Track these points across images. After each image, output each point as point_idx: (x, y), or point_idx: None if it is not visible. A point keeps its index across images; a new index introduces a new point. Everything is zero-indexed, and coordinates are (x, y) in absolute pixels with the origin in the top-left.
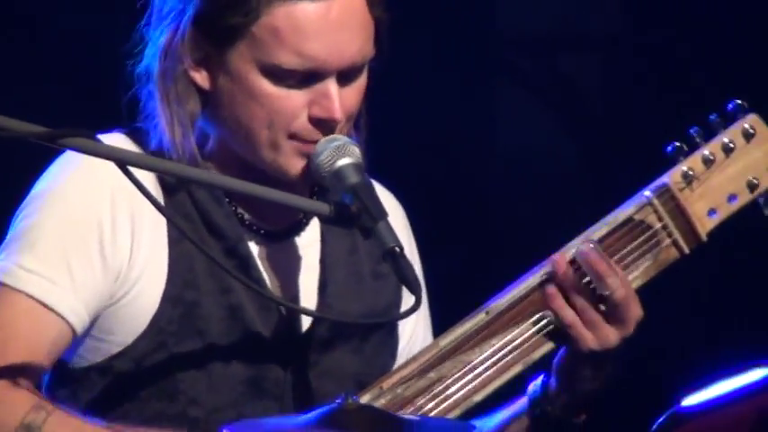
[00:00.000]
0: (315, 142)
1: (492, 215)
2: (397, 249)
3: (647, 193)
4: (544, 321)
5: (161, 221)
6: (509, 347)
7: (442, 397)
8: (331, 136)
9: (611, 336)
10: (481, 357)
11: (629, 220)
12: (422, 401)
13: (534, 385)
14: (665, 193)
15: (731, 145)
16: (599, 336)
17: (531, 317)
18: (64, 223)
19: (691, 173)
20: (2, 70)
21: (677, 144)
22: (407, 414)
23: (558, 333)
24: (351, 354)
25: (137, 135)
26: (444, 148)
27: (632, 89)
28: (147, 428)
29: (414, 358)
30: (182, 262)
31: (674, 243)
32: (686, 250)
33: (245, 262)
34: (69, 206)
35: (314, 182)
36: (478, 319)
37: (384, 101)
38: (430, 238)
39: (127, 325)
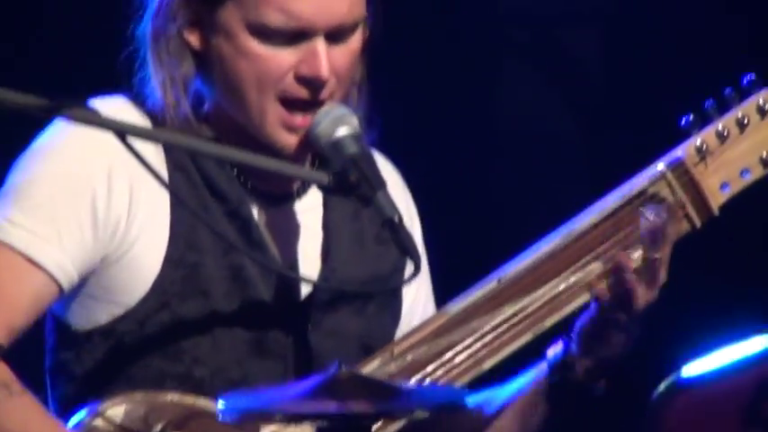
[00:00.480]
0: (301, 111)
1: (493, 187)
2: (396, 219)
3: (660, 166)
4: (561, 287)
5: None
6: (520, 315)
7: (451, 364)
8: (329, 106)
9: (642, 298)
10: (492, 325)
11: (643, 192)
12: (431, 368)
13: (554, 350)
14: (680, 168)
15: (745, 120)
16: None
17: (545, 284)
18: (56, 180)
19: (704, 147)
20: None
21: (691, 117)
22: (416, 380)
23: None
24: (353, 315)
25: (137, 97)
26: (445, 122)
27: (634, 63)
28: None
29: (424, 325)
30: (183, 224)
31: (687, 216)
32: (698, 224)
33: (247, 225)
34: (64, 163)
35: (312, 152)
36: (490, 287)
37: (384, 75)
38: (431, 209)
39: (127, 285)
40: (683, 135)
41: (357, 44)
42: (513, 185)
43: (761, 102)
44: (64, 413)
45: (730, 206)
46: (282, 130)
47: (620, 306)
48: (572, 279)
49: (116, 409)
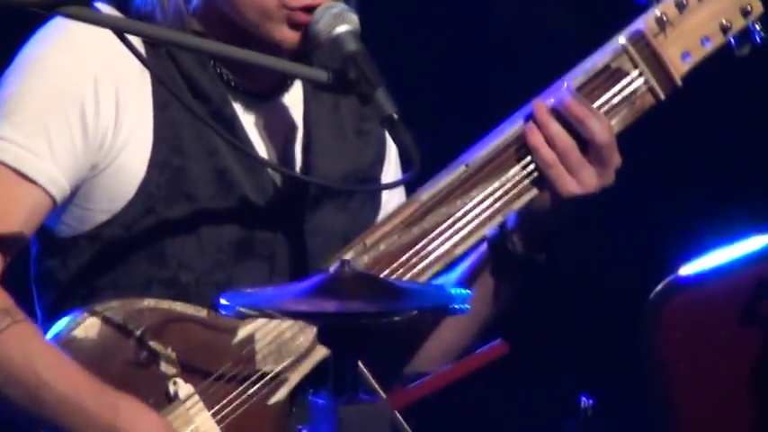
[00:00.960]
0: (305, 10)
1: (489, 86)
2: (395, 116)
3: (621, 40)
4: (528, 168)
5: (146, 89)
6: (490, 199)
7: (424, 252)
8: (329, 2)
9: (593, 181)
10: (463, 210)
11: (606, 68)
12: (405, 257)
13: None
14: (641, 40)
15: None
16: (581, 179)
17: (513, 167)
18: (44, 93)
19: (664, 18)
20: None
21: None
22: (392, 269)
23: (540, 179)
24: (337, 211)
25: (119, 2)
26: (442, 18)
27: None
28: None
29: (395, 213)
30: (167, 128)
31: (650, 89)
32: (662, 96)
33: (231, 123)
34: (51, 75)
35: (307, 48)
36: (459, 172)
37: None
38: (425, 108)
39: (114, 192)
40: (642, 8)
41: None
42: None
43: None
44: (50, 321)
45: (728, 106)
46: (285, 28)
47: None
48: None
49: (93, 319)
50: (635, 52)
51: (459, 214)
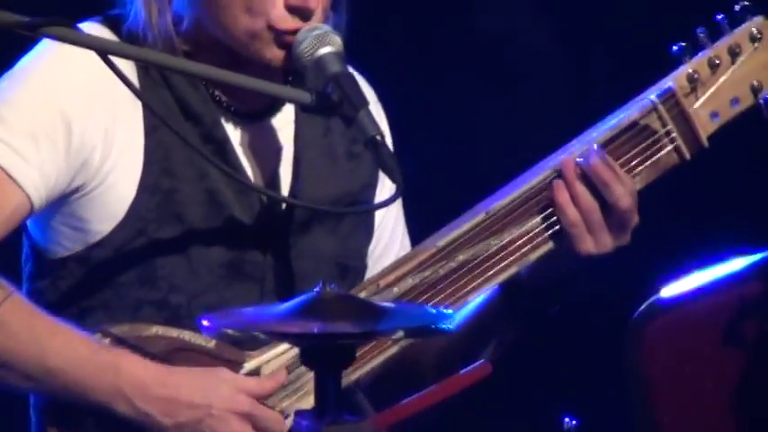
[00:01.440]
0: (293, 32)
1: (470, 101)
2: (378, 138)
3: (652, 96)
4: (549, 221)
5: (137, 111)
6: (508, 248)
7: (437, 298)
8: (312, 24)
9: (609, 242)
10: (480, 258)
11: (634, 124)
12: (418, 301)
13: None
14: (671, 99)
15: (737, 49)
16: (598, 240)
17: (533, 218)
18: (35, 103)
19: (696, 76)
20: None
21: (683, 44)
22: None
23: (559, 234)
24: (327, 234)
25: (111, 22)
26: (422, 32)
27: None
28: (75, 332)
29: (411, 257)
30: (158, 150)
31: (676, 148)
32: (687, 156)
33: (222, 146)
34: (43, 88)
35: (292, 69)
36: (478, 219)
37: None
38: (406, 124)
39: (104, 214)
40: (674, 62)
41: None
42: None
43: (753, 30)
44: None
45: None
46: (275, 48)
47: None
48: None
49: (107, 341)
50: (664, 111)
51: (476, 261)
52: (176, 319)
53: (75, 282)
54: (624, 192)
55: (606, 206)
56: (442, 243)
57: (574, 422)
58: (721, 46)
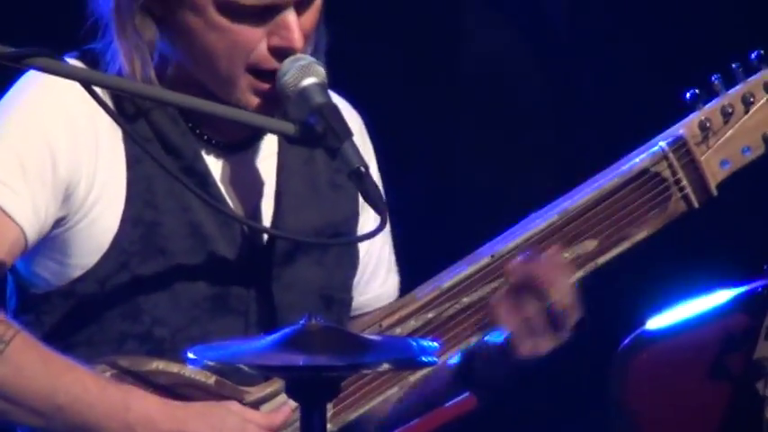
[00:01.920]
0: (270, 79)
1: (456, 134)
2: (363, 169)
3: (662, 144)
4: None
5: (118, 144)
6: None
7: (441, 341)
8: (296, 56)
9: (545, 345)
10: (481, 300)
11: (644, 172)
12: None
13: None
14: (682, 147)
15: (751, 98)
16: (535, 344)
17: None
18: (22, 136)
19: (708, 124)
20: None
21: (697, 91)
22: None
23: None
24: (312, 266)
25: (89, 58)
26: (408, 66)
27: (598, 8)
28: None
29: (414, 298)
30: (140, 183)
31: (685, 197)
32: (696, 205)
33: (203, 179)
34: (29, 120)
35: (277, 105)
36: (483, 262)
37: (347, 14)
38: (394, 156)
39: (87, 247)
40: (687, 109)
41: (320, 1)
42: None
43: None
44: None
45: None
46: (250, 94)
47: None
48: (566, 255)
49: (110, 373)
50: (674, 159)
51: (481, 304)
52: (160, 353)
53: (60, 316)
54: (565, 292)
55: (548, 308)
56: (446, 285)
57: None
58: (735, 94)
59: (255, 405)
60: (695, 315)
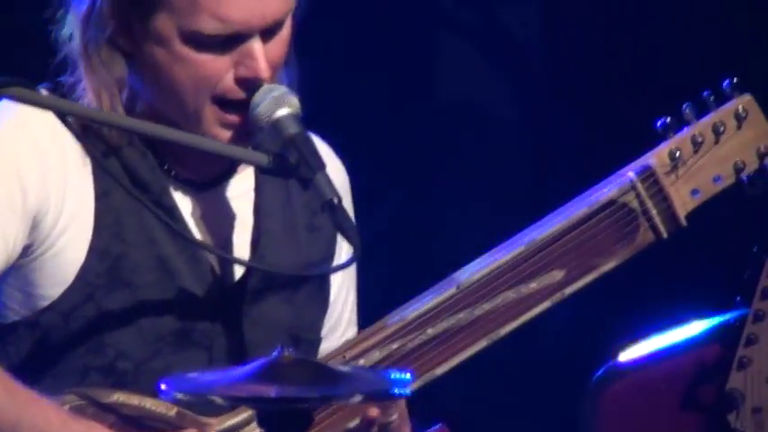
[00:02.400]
0: (238, 110)
1: (432, 168)
2: (335, 201)
3: (631, 174)
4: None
5: (87, 177)
6: (477, 323)
7: (404, 370)
8: (270, 86)
9: None
10: (448, 331)
11: (611, 202)
12: None
13: None
14: (650, 177)
15: (721, 128)
16: None
17: (505, 292)
18: None
19: (678, 154)
20: None
21: (667, 119)
22: None
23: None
24: (282, 304)
25: (61, 90)
26: (385, 100)
27: (572, 42)
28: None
29: (378, 329)
30: (108, 216)
31: (653, 228)
32: (664, 235)
33: (170, 213)
34: (0, 150)
35: (249, 137)
36: (449, 293)
37: (323, 51)
38: (369, 190)
39: (53, 279)
40: (658, 138)
41: (288, 30)
42: (451, 165)
43: (739, 108)
44: None
45: None
46: (218, 128)
47: None
48: (533, 285)
49: (72, 405)
50: (643, 189)
51: (443, 335)
52: (122, 385)
53: (25, 347)
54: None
55: None
56: (410, 316)
57: None
58: (705, 123)
59: None
60: (667, 346)
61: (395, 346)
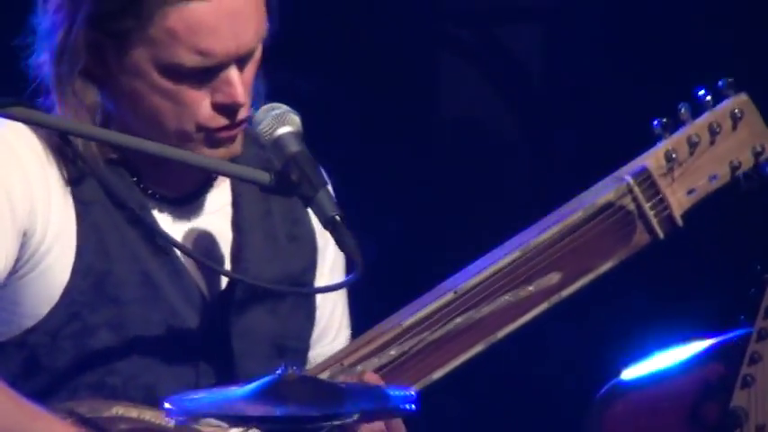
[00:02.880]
0: (224, 129)
1: (433, 187)
2: (338, 218)
3: (626, 176)
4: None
5: (67, 196)
6: (474, 327)
7: (403, 377)
8: (271, 104)
9: None
10: (445, 336)
11: (608, 205)
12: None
13: None
14: (646, 179)
15: (717, 129)
16: None
17: (503, 296)
18: None
19: (674, 155)
20: None
21: (664, 120)
22: None
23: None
24: (267, 315)
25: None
26: (386, 119)
27: (572, 61)
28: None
29: (376, 336)
30: (91, 233)
31: (649, 229)
32: (660, 236)
33: (150, 231)
34: None
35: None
36: (446, 298)
37: (324, 69)
38: (369, 210)
39: (38, 298)
40: (654, 138)
41: (260, 52)
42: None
43: (735, 109)
44: None
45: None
46: (204, 147)
47: None
48: (530, 289)
49: (71, 418)
50: (639, 191)
51: (441, 339)
52: (113, 399)
53: (14, 367)
54: None
55: None
56: (408, 323)
57: None
58: (701, 123)
59: None
60: (671, 365)
61: (393, 352)
